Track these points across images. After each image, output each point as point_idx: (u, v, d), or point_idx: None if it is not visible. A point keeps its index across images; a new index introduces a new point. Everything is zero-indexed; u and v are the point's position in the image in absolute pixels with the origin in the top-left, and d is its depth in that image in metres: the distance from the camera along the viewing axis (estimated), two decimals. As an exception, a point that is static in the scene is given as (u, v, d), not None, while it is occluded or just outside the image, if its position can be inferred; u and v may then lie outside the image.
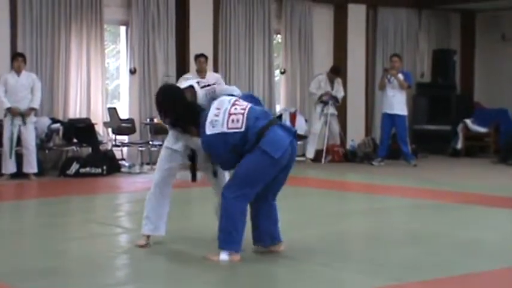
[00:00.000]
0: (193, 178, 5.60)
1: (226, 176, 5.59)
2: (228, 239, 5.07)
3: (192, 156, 5.53)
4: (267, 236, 5.37)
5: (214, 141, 5.06)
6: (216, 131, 5.04)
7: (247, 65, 13.14)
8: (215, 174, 5.51)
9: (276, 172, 5.15)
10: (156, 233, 5.63)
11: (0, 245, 5.98)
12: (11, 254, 5.58)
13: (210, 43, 12.61)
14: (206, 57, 11.46)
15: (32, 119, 10.35)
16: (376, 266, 5.20)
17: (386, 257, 5.53)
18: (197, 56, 11.47)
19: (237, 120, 5.05)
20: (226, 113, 5.09)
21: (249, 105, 5.22)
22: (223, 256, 5.06)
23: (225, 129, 5.03)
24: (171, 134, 5.55)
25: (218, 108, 5.13)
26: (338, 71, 13.17)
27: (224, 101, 5.20)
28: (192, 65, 11.80)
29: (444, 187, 9.80)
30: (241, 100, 5.27)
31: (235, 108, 5.12)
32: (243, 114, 5.09)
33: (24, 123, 10.17)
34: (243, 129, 5.03)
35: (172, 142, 5.53)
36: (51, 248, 5.80)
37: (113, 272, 5.14)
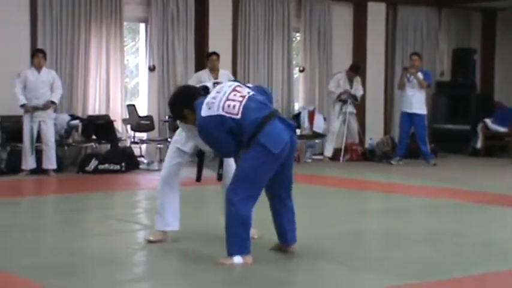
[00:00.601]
0: (198, 178, 5.52)
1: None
2: (240, 244, 4.94)
3: (201, 155, 5.49)
4: (282, 236, 5.32)
5: (209, 125, 4.91)
6: (212, 113, 4.89)
7: (266, 63, 13.13)
8: (220, 177, 5.40)
9: (276, 167, 4.99)
10: (168, 228, 5.66)
11: (19, 240, 6.02)
12: (31, 250, 5.62)
13: (229, 41, 12.62)
14: (218, 55, 11.51)
15: (51, 115, 10.41)
16: (394, 265, 5.19)
17: (404, 256, 5.51)
18: (209, 54, 11.55)
19: (233, 107, 4.90)
20: (224, 97, 4.95)
21: (251, 93, 5.05)
22: (237, 259, 4.94)
23: (221, 112, 4.89)
24: (181, 135, 5.55)
25: (218, 92, 5.02)
26: (357, 69, 13.14)
27: (225, 86, 5.10)
28: (212, 63, 11.85)
29: (463, 187, 9.75)
30: (244, 87, 5.12)
31: (235, 95, 4.98)
32: (240, 102, 4.93)
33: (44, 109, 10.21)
34: (239, 117, 4.88)
35: (181, 143, 5.56)
36: (70, 244, 5.84)
37: (130, 268, 5.16)
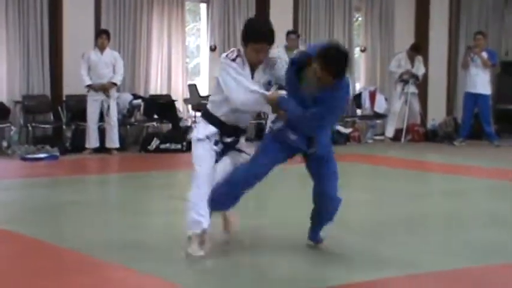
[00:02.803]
0: None
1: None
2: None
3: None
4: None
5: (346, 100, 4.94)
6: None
7: (327, 42, 13.05)
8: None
9: None
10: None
11: (83, 217, 6.15)
12: (94, 227, 5.72)
13: (290, 20, 12.58)
14: (297, 35, 11.54)
15: (114, 94, 10.57)
16: (456, 248, 5.12)
17: (465, 238, 5.44)
18: (288, 33, 11.51)
19: None
20: None
21: None
22: None
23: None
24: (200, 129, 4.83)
25: None
26: (418, 48, 12.94)
27: None
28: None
29: (528, 169, 9.56)
30: None
31: None
32: None
33: (108, 96, 10.38)
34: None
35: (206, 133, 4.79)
36: (132, 221, 5.93)
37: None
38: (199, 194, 4.67)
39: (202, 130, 4.79)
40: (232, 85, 4.58)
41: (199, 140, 4.77)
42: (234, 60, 4.61)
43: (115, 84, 10.53)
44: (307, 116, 4.49)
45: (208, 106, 4.86)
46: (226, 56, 4.66)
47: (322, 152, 4.66)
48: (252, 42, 4.59)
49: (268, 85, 4.76)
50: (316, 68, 4.38)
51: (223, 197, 4.70)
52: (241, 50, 4.67)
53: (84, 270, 4.44)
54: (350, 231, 5.44)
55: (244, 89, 4.56)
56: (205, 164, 4.71)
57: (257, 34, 4.61)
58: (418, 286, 4.29)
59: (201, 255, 4.63)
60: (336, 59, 4.38)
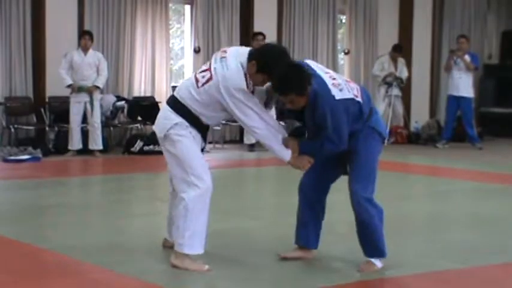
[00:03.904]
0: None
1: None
2: (384, 245, 4.51)
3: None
4: (314, 238, 4.79)
5: (342, 109, 4.20)
6: (345, 96, 4.22)
7: (311, 45, 13.09)
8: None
9: None
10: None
11: (65, 220, 6.12)
12: (76, 229, 5.70)
13: (274, 23, 12.59)
14: (264, 36, 11.34)
15: (97, 96, 10.52)
16: (439, 249, 5.14)
17: (448, 240, 5.46)
18: (255, 34, 11.39)
19: (357, 90, 4.33)
20: (344, 80, 4.35)
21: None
22: (379, 263, 4.51)
23: (351, 95, 4.24)
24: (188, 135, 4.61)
25: (327, 73, 4.35)
26: (400, 49, 12.95)
27: (321, 67, 4.41)
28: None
29: (510, 171, 9.61)
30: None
31: (349, 80, 4.46)
32: (357, 86, 4.39)
33: (92, 102, 10.34)
34: (361, 101, 4.31)
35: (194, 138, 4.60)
36: (115, 223, 5.91)
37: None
38: (206, 214, 4.43)
39: (192, 137, 4.56)
40: (255, 118, 4.31)
41: (195, 145, 4.51)
42: (252, 92, 4.31)
43: (98, 87, 10.47)
44: (322, 145, 4.30)
45: (194, 108, 4.55)
46: (247, 87, 4.28)
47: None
48: (267, 75, 4.27)
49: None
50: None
51: None
52: (244, 67, 4.30)
53: (67, 273, 4.42)
54: (333, 233, 5.45)
55: (271, 127, 4.34)
56: (208, 176, 4.43)
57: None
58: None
59: (208, 269, 4.41)
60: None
